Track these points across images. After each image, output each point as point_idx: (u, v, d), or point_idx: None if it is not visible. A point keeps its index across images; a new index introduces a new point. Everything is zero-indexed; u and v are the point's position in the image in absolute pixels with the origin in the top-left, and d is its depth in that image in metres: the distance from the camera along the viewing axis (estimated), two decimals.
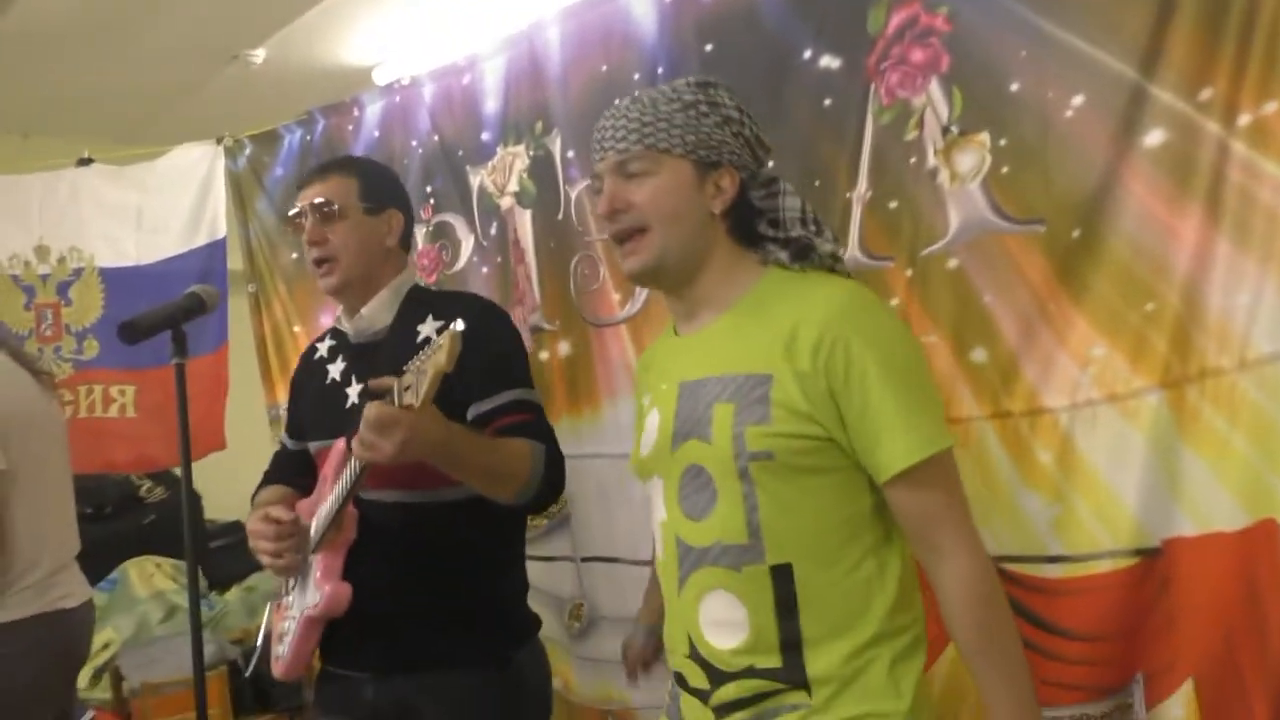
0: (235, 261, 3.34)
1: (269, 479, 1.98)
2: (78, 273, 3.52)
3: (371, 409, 1.44)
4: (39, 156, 3.83)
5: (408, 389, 1.42)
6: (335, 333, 1.92)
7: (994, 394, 1.80)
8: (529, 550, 2.54)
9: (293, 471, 1.93)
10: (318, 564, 1.72)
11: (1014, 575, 1.76)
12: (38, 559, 2.14)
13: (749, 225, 1.38)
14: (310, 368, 1.92)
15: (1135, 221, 1.63)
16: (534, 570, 2.56)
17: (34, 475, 2.16)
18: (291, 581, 1.81)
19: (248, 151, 3.27)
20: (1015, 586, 1.75)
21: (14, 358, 2.23)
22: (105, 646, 3.64)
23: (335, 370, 1.85)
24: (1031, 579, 1.76)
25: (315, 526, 1.74)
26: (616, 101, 1.39)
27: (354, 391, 1.80)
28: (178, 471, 4.31)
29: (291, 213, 1.84)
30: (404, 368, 1.45)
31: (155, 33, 3.88)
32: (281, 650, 1.80)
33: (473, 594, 1.75)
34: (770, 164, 1.44)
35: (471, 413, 1.69)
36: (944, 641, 1.86)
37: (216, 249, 3.32)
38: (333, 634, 1.74)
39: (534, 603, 2.56)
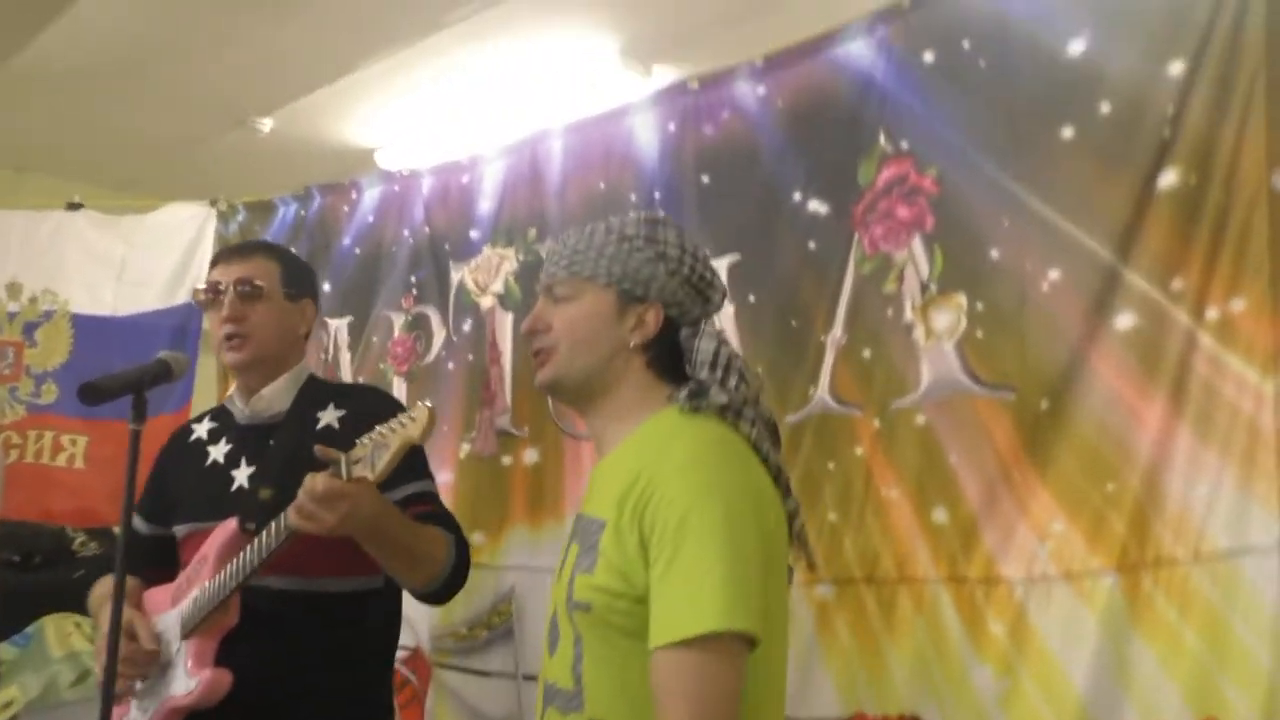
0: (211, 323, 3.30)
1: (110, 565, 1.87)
2: (48, 315, 3.47)
3: (319, 480, 1.46)
4: (30, 194, 3.83)
5: (357, 462, 1.44)
6: (217, 414, 1.91)
7: (952, 556, 1.78)
8: (462, 662, 2.50)
9: (141, 559, 1.83)
10: (189, 649, 1.66)
11: None
12: None
13: (672, 363, 1.36)
14: (183, 449, 1.88)
15: (1102, 401, 1.65)
16: (464, 683, 2.50)
17: None
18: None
19: (240, 218, 3.27)
20: None
21: None
22: (6, 705, 3.47)
23: (218, 452, 1.83)
24: None
25: (188, 609, 1.68)
26: (571, 230, 1.42)
27: (242, 474, 1.77)
28: (116, 529, 4.23)
29: (205, 285, 1.84)
30: (356, 440, 1.46)
31: (167, 84, 3.92)
32: None
33: (348, 690, 1.73)
34: (717, 307, 1.41)
35: None
36: None
37: (194, 309, 3.27)
38: None
39: (456, 718, 2.49)
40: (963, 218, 1.82)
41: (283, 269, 1.85)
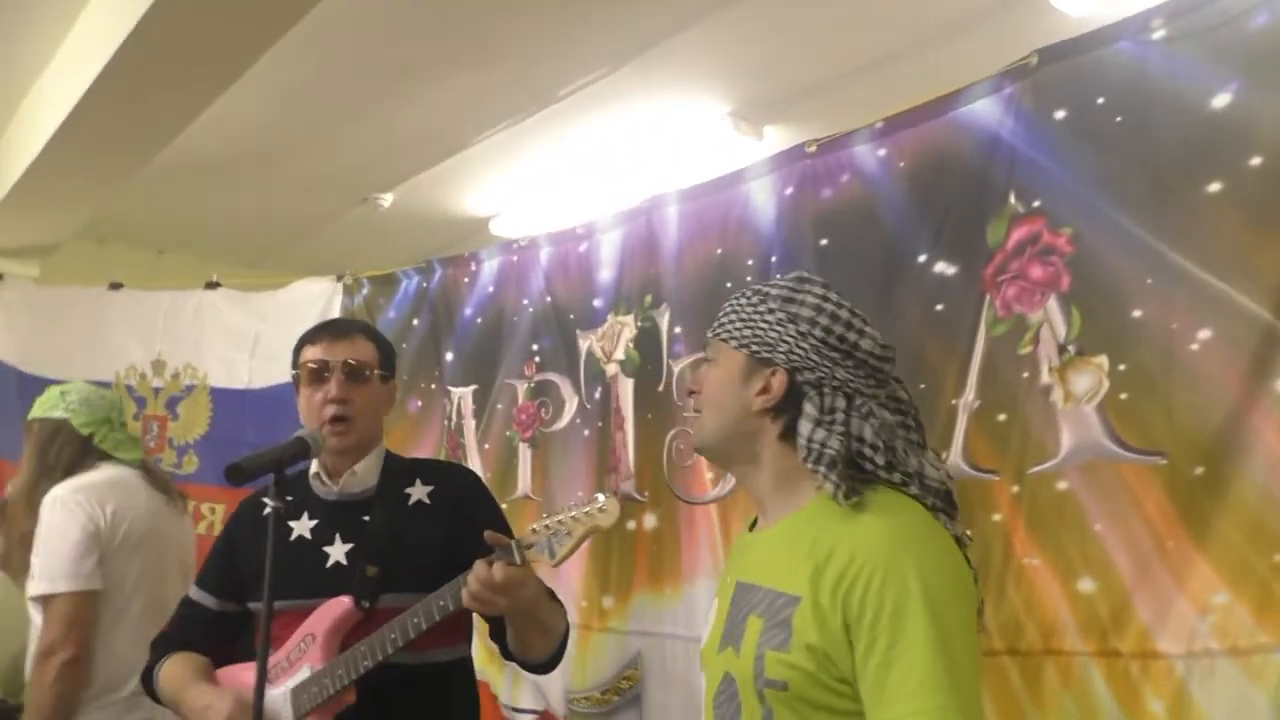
0: None
1: (176, 641, 1.87)
2: (189, 389, 3.65)
3: (498, 569, 1.51)
4: (170, 273, 4.06)
5: (529, 547, 1.51)
6: (292, 488, 1.85)
7: (1102, 630, 1.70)
8: None
9: (206, 633, 1.85)
10: None
11: None
12: (125, 679, 2.18)
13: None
14: (257, 523, 1.82)
15: (1265, 467, 1.56)
16: None
17: (139, 595, 2.24)
18: None
19: (365, 291, 3.40)
20: None
21: (150, 480, 2.36)
22: None
23: (302, 528, 1.82)
24: None
25: (300, 690, 1.69)
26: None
27: (338, 551, 1.77)
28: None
29: (309, 362, 1.83)
30: (533, 527, 1.53)
31: (295, 168, 4.13)
32: None
33: None
34: (872, 369, 1.33)
35: None
36: None
37: None
38: None
39: None
40: (1101, 276, 1.76)
41: (378, 351, 1.89)
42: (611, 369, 2.63)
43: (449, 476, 1.92)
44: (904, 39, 3.16)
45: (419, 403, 3.13)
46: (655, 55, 3.33)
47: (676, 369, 2.46)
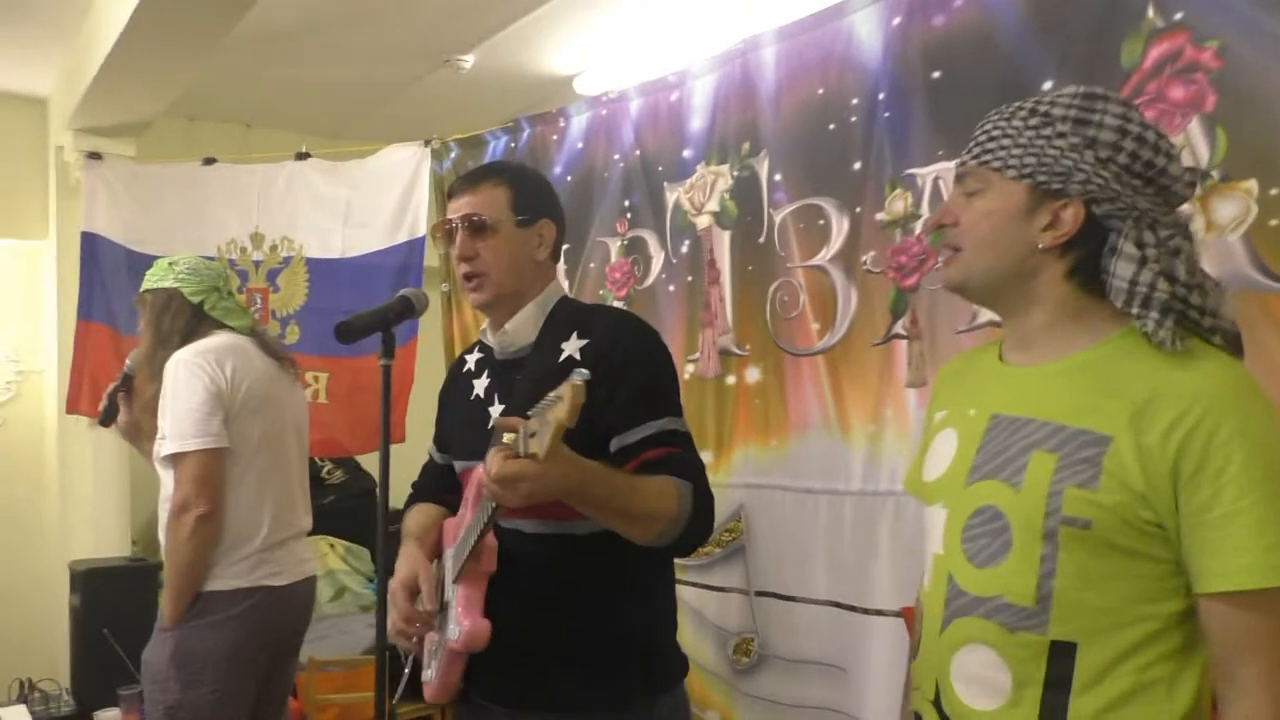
0: (431, 259, 3.44)
1: (419, 493, 1.92)
2: (287, 261, 3.71)
3: (494, 461, 1.36)
4: (259, 147, 4.07)
5: (533, 435, 1.33)
6: (482, 345, 1.85)
7: None
8: (699, 578, 2.52)
9: (441, 486, 1.87)
10: (458, 596, 1.64)
11: None
12: (253, 534, 2.29)
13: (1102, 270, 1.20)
14: (458, 381, 1.85)
15: None
16: (702, 599, 2.53)
17: (261, 454, 2.32)
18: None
19: (453, 154, 3.36)
20: None
21: (261, 346, 2.41)
22: None
23: (480, 386, 1.78)
24: None
25: (455, 555, 1.68)
26: (993, 111, 1.28)
27: (496, 411, 1.71)
28: (359, 457, 4.53)
29: (443, 222, 1.76)
30: (528, 412, 1.35)
31: (372, 34, 4.05)
32: (429, 675, 1.75)
33: (616, 630, 1.63)
34: (1181, 198, 1.22)
35: (615, 444, 1.59)
36: None
37: (416, 246, 3.43)
38: (474, 663, 1.66)
39: (698, 633, 2.52)
40: (1252, 93, 1.61)
41: (513, 193, 1.74)
42: (703, 221, 2.55)
43: (607, 328, 1.70)
44: None
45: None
46: None
47: (778, 218, 2.37)
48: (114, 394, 2.57)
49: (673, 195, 2.63)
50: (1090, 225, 1.18)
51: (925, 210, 2.09)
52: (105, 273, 3.83)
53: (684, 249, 2.59)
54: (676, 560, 2.36)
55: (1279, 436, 1.11)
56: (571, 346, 1.67)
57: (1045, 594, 1.15)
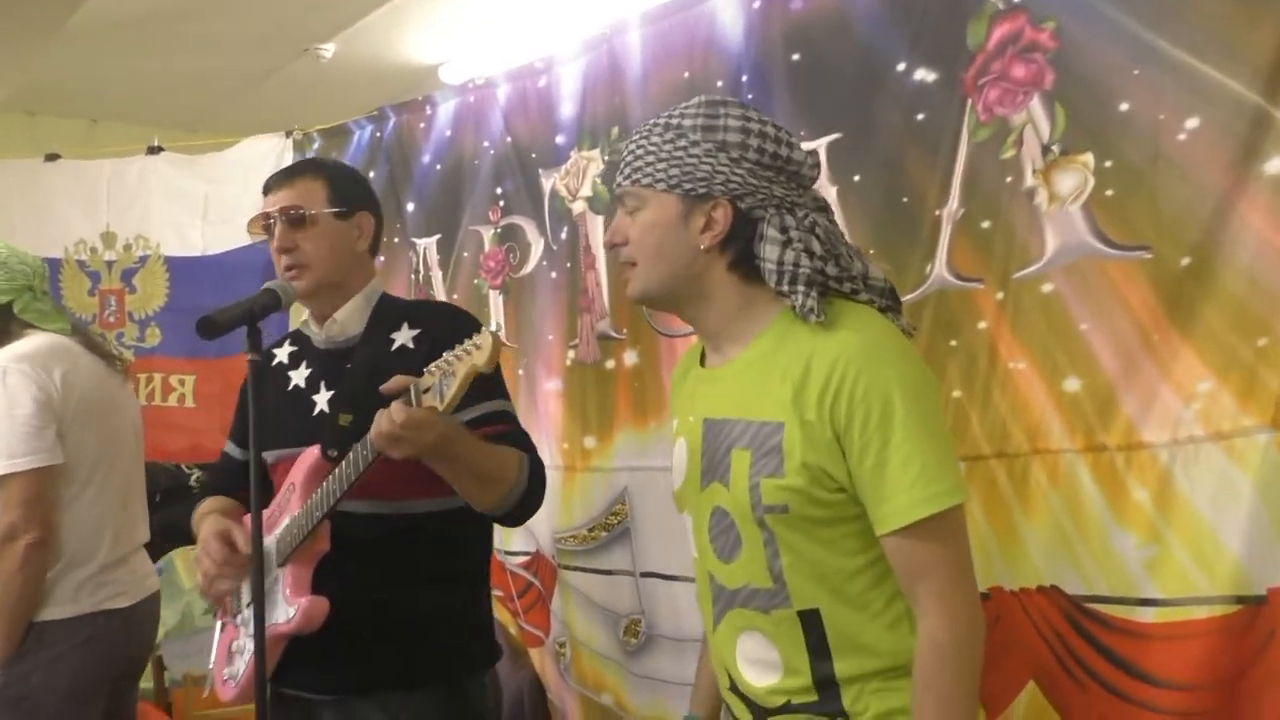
0: None
1: (211, 488, 1.93)
2: (143, 260, 3.54)
3: (397, 409, 1.45)
4: (106, 143, 3.87)
5: (427, 390, 1.43)
6: (297, 337, 1.88)
7: (1088, 426, 1.72)
8: (586, 563, 2.54)
9: (240, 484, 1.84)
10: (285, 577, 1.66)
11: (1102, 617, 1.69)
12: (91, 555, 2.12)
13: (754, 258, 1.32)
14: (265, 373, 1.85)
15: (1252, 253, 1.55)
16: (589, 583, 2.54)
17: (99, 467, 2.15)
18: (240, 599, 1.77)
19: (316, 145, 3.27)
20: (1103, 629, 1.68)
21: (87, 346, 2.22)
22: None
23: (299, 377, 1.81)
24: (1121, 621, 1.68)
25: (282, 537, 1.69)
26: (634, 132, 1.37)
27: (323, 399, 1.76)
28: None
29: (256, 216, 1.81)
30: (423, 369, 1.45)
31: (228, 22, 3.90)
32: (235, 670, 1.74)
33: (444, 611, 1.73)
34: (809, 180, 1.35)
35: None
36: (1010, 694, 1.81)
37: None
38: (287, 653, 1.67)
39: (588, 616, 2.54)
40: (1086, 71, 1.71)
41: (329, 187, 1.79)
42: (578, 207, 2.56)
43: (438, 319, 1.81)
44: None
45: (382, 257, 3.05)
46: None
47: None
48: None
49: (549, 182, 2.62)
50: (740, 220, 1.29)
51: None
52: None
53: (563, 235, 2.60)
54: (564, 546, 2.42)
55: (913, 376, 1.25)
56: (403, 336, 1.75)
57: (777, 573, 1.27)
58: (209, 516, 1.79)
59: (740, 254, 1.31)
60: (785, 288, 1.28)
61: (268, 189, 1.82)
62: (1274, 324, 1.53)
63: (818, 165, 1.37)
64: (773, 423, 1.25)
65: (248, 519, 1.75)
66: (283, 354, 1.88)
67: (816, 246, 1.29)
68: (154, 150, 3.56)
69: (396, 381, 1.48)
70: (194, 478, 4.53)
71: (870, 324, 1.28)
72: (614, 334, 2.48)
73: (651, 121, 1.35)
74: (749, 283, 1.32)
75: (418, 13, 3.92)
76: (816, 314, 1.25)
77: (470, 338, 1.63)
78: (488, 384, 1.68)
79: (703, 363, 1.43)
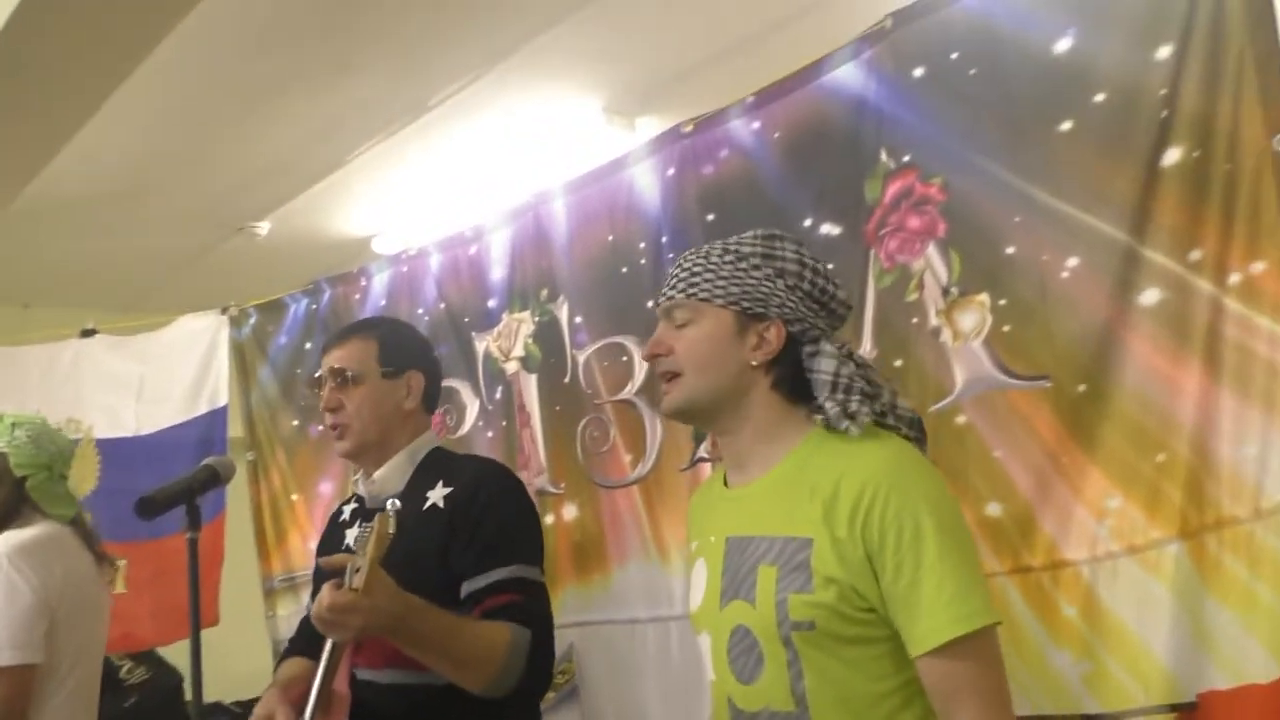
0: (234, 429, 3.33)
1: (292, 647, 1.90)
2: (74, 443, 3.49)
3: (325, 593, 1.43)
4: (40, 326, 3.86)
5: (358, 570, 1.41)
6: (357, 495, 1.89)
7: (1013, 548, 1.80)
8: None
9: (316, 638, 1.83)
10: None
11: None
12: None
13: (798, 380, 1.38)
14: (333, 532, 1.89)
15: (1139, 376, 1.68)
16: None
17: (72, 669, 2.10)
18: None
19: (252, 320, 3.32)
20: None
21: (84, 540, 2.19)
22: None
23: (350, 536, 1.81)
24: None
25: (311, 710, 1.62)
26: (688, 252, 1.44)
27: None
28: (161, 651, 4.18)
29: (316, 375, 1.85)
30: (353, 547, 1.45)
31: (162, 204, 4.01)
32: None
33: None
34: (841, 319, 1.46)
35: (464, 589, 1.64)
36: None
37: (217, 417, 3.32)
38: None
39: None
40: (974, 220, 1.87)
41: (380, 347, 1.82)
42: (511, 367, 2.64)
43: (470, 475, 1.76)
44: (760, 20, 3.26)
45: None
46: (522, 57, 3.36)
47: (582, 358, 2.49)
48: None
49: (482, 344, 2.71)
50: (789, 342, 1.37)
51: None
52: None
53: (498, 395, 2.66)
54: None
55: (942, 498, 1.28)
56: (436, 494, 1.72)
57: (800, 695, 1.26)
58: (272, 690, 1.72)
59: (783, 375, 1.36)
60: (840, 396, 1.32)
61: (326, 348, 1.86)
62: (1168, 441, 1.65)
63: (850, 308, 1.46)
64: (800, 539, 1.26)
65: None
66: (347, 511, 1.88)
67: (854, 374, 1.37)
68: (88, 333, 3.56)
69: (337, 559, 1.47)
70: (124, 669, 4.34)
71: (898, 447, 1.32)
72: (552, 489, 2.52)
73: (706, 246, 1.41)
74: (786, 403, 1.37)
75: (348, 189, 4.09)
76: (858, 422, 1.30)
77: (498, 496, 1.66)
78: (507, 546, 1.65)
79: (725, 484, 1.44)
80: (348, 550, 1.79)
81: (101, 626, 2.23)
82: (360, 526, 1.82)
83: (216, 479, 1.92)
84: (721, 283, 1.36)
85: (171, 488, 1.81)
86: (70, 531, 2.18)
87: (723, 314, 1.36)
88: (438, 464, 1.79)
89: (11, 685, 1.98)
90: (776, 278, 1.36)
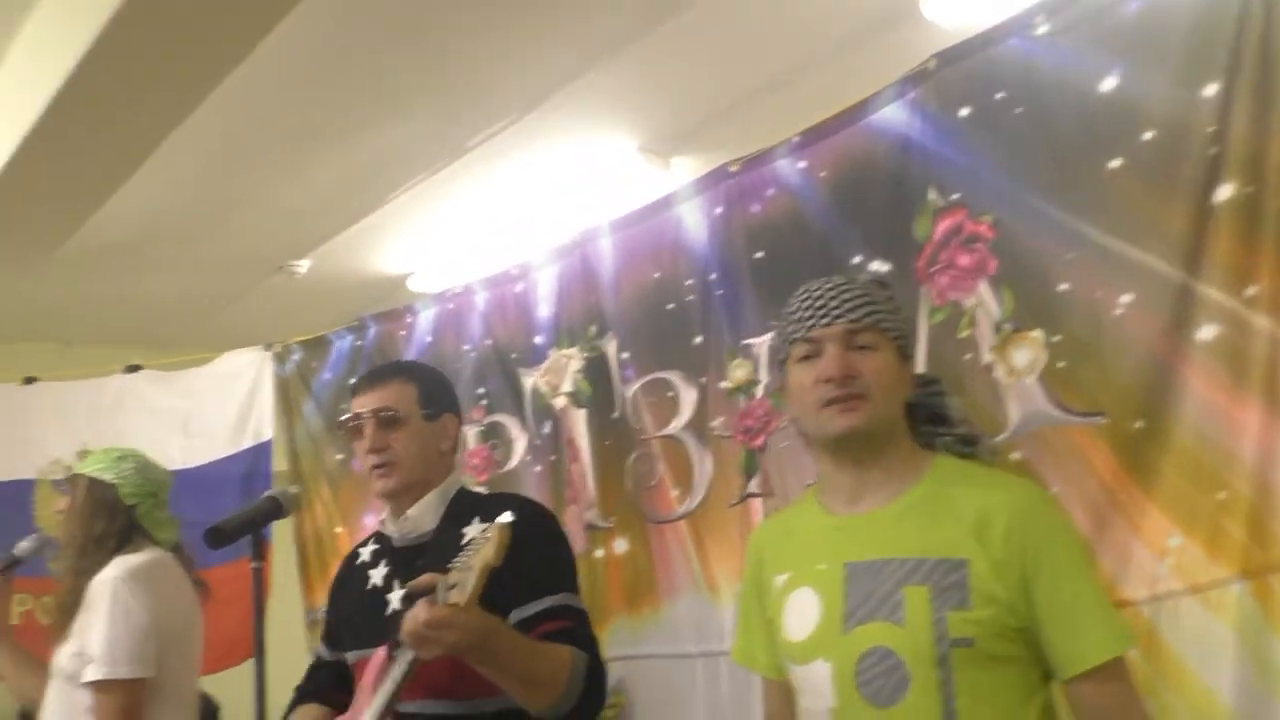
0: (279, 463, 3.37)
1: (304, 695, 1.92)
2: (170, 475, 3.53)
3: (422, 608, 1.46)
4: (77, 364, 3.93)
5: (453, 588, 1.45)
6: (379, 537, 1.91)
7: None
8: None
9: (329, 684, 1.88)
10: None
11: None
12: None
13: (916, 418, 1.46)
14: (351, 573, 1.90)
15: (1198, 412, 1.68)
16: None
17: (178, 684, 2.20)
18: None
19: (296, 357, 3.36)
20: None
21: (184, 566, 2.31)
22: None
23: (377, 576, 1.84)
24: None
25: None
26: (824, 279, 1.45)
27: (395, 597, 1.78)
28: (205, 679, 4.20)
29: (346, 418, 1.86)
30: (449, 565, 1.47)
31: (205, 245, 4.08)
32: None
33: None
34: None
35: (514, 617, 1.66)
36: None
37: (262, 451, 3.36)
38: None
39: None
40: (1025, 257, 1.88)
41: (419, 390, 1.86)
42: (560, 402, 2.66)
43: (506, 509, 1.75)
44: (789, 61, 3.30)
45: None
46: (559, 99, 3.41)
47: (629, 393, 2.51)
48: None
49: (529, 380, 2.73)
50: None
51: (763, 375, 2.27)
52: None
53: (546, 430, 2.68)
54: None
55: (1074, 527, 1.43)
56: (473, 530, 1.74)
57: (950, 714, 1.27)
58: None
59: (911, 411, 1.44)
60: (974, 431, 1.46)
61: (357, 390, 1.88)
62: (1229, 478, 1.64)
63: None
64: (953, 559, 1.30)
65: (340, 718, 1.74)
66: (366, 553, 1.90)
67: None
68: (132, 369, 3.63)
69: (426, 579, 1.50)
70: None
71: (1030, 482, 1.49)
72: (601, 523, 2.53)
73: (851, 277, 1.48)
74: (909, 435, 1.44)
75: (387, 229, 4.14)
76: (995, 451, 1.46)
77: (538, 529, 1.68)
78: (552, 575, 1.70)
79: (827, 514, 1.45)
80: (375, 590, 1.82)
81: (199, 647, 2.33)
82: (384, 565, 1.84)
83: (280, 510, 1.97)
84: (891, 317, 1.42)
85: (238, 517, 1.85)
86: (173, 558, 2.29)
87: (892, 347, 1.41)
88: (469, 502, 1.85)
89: (128, 696, 2.08)
90: (905, 323, 1.47)
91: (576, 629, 1.69)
